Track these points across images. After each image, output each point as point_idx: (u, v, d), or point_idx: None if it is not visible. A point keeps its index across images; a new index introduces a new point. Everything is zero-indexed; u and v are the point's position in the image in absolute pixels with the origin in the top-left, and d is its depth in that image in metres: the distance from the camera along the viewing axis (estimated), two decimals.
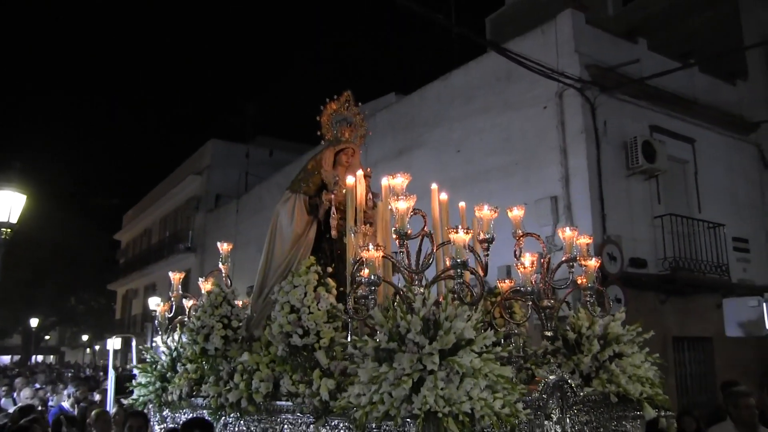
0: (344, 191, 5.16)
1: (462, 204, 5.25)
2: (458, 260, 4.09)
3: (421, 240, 4.47)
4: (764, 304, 9.14)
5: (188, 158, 30.14)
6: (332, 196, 5.38)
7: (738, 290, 11.71)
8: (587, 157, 11.05)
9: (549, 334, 4.73)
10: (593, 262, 4.76)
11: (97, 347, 43.85)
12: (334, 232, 5.29)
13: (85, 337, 46.04)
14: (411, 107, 15.11)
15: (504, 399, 3.49)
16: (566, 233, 4.85)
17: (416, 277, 4.15)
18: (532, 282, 4.46)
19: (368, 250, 3.92)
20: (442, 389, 3.36)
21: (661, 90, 12.18)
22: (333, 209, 5.33)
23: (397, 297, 4.03)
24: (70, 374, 25.43)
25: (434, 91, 14.52)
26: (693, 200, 12.76)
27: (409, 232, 4.11)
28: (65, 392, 11.40)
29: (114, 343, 34.54)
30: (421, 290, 3.89)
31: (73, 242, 38.11)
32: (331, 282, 4.51)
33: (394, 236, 4.12)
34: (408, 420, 3.42)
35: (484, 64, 13.40)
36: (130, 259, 36.22)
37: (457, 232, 4.10)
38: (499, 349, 3.82)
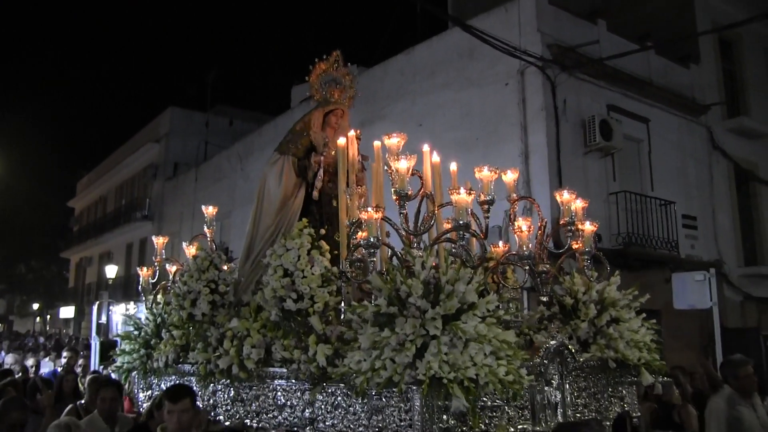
0: (333, 153, 5.10)
1: (453, 167, 5.17)
2: (461, 221, 3.94)
3: (420, 202, 4.31)
4: (709, 279, 9.58)
5: (146, 125, 29.63)
6: (321, 158, 5.26)
7: (686, 265, 12.16)
8: (546, 135, 11.33)
9: (545, 299, 4.61)
10: (590, 226, 4.63)
11: (48, 316, 43.13)
12: (315, 193, 5.20)
13: (35, 306, 45.21)
14: (374, 80, 15.16)
15: (507, 365, 3.42)
16: (564, 196, 4.68)
17: (414, 240, 4.04)
18: (529, 246, 4.33)
19: (367, 211, 3.82)
20: (446, 354, 3.28)
21: (618, 70, 12.52)
22: (321, 171, 5.22)
23: (394, 260, 3.97)
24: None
25: (397, 65, 14.59)
26: (646, 178, 13.17)
27: (409, 192, 4.00)
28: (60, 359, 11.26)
29: (66, 312, 33.84)
30: (420, 253, 3.77)
31: (23, 209, 37.26)
32: (324, 245, 4.36)
33: (394, 197, 4.00)
34: (412, 386, 3.35)
35: (447, 39, 13.51)
36: (84, 227, 35.59)
37: (459, 193, 3.94)
38: (502, 313, 3.71)
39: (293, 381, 4.10)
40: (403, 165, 3.96)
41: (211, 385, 4.63)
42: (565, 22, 12.43)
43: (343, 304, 4.15)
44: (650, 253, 12.14)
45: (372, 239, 3.79)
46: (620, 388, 4.62)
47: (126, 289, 27.31)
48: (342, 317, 4.04)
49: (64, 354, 9.65)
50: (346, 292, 4.23)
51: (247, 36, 68.71)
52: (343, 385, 3.73)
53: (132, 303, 26.68)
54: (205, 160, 23.82)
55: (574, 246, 4.64)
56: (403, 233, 4.12)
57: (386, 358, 3.35)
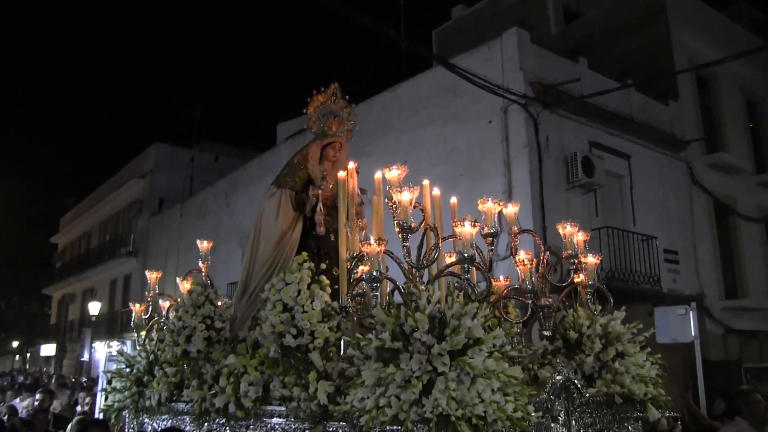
0: (331, 186, 5.10)
1: (453, 200, 5.13)
2: (465, 254, 3.85)
3: (423, 235, 4.25)
4: (691, 313, 9.67)
5: (131, 161, 29.63)
6: (320, 191, 5.17)
7: (668, 299, 12.26)
8: (530, 171, 11.48)
9: (547, 333, 4.51)
10: (593, 259, 4.57)
11: (28, 354, 42.38)
12: (320, 229, 5.07)
13: (15, 343, 44.42)
14: (359, 117, 15.16)
15: (515, 401, 3.33)
16: (566, 229, 4.60)
17: (417, 273, 3.96)
18: (532, 280, 4.26)
19: (369, 244, 3.74)
20: (453, 391, 3.19)
21: (600, 107, 12.75)
22: (320, 205, 5.12)
23: (395, 294, 3.90)
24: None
25: (382, 102, 14.77)
26: (628, 213, 13.33)
27: (412, 225, 3.93)
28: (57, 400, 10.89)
29: (48, 349, 33.26)
30: (424, 287, 3.71)
31: (5, 244, 36.91)
32: (324, 279, 4.24)
33: (397, 230, 3.94)
34: (419, 424, 3.23)
35: (432, 77, 13.73)
36: (67, 263, 35.27)
37: (463, 225, 3.87)
38: (508, 348, 3.62)
39: (292, 420, 3.99)
40: (406, 197, 3.92)
41: (206, 424, 4.49)
42: (547, 60, 12.68)
43: (343, 340, 4.06)
44: (633, 287, 12.24)
45: (375, 273, 3.72)
46: (626, 424, 4.52)
47: (110, 326, 27.01)
48: (342, 353, 3.95)
49: (37, 396, 9.40)
50: (345, 327, 4.15)
51: (233, 73, 69.24)
52: (345, 423, 3.60)
53: (115, 341, 26.49)
54: (191, 195, 23.82)
55: (577, 279, 4.58)
56: (406, 266, 4.01)
57: (391, 395, 3.25)
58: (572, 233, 4.58)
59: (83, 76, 67.90)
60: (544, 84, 11.97)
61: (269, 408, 4.14)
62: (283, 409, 4.01)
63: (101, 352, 27.40)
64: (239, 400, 4.16)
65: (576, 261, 4.57)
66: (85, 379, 21.22)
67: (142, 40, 70.48)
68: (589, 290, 4.60)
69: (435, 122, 13.22)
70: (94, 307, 23.57)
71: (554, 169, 11.86)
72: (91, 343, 25.06)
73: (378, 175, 4.60)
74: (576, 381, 4.11)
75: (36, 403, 8.92)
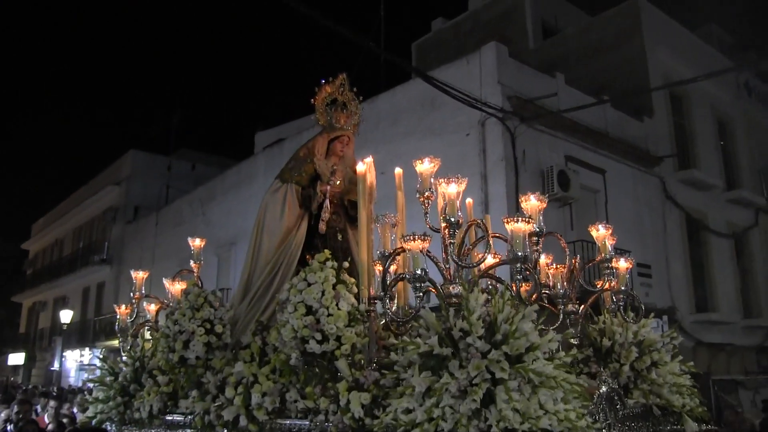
0: (339, 182, 4.86)
1: (469, 200, 4.82)
2: (518, 253, 3.50)
3: (465, 231, 3.87)
4: (663, 326, 9.81)
5: (107, 168, 29.33)
6: (328, 187, 4.81)
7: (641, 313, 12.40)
8: (506, 184, 11.60)
9: (575, 341, 4.19)
10: (625, 263, 4.33)
11: None
12: (322, 226, 4.76)
13: None
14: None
15: (576, 411, 3.01)
16: (600, 231, 4.34)
17: (456, 274, 3.59)
18: (564, 284, 3.98)
19: (412, 240, 3.44)
20: (516, 402, 2.88)
21: (576, 122, 12.96)
22: (327, 202, 4.77)
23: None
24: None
25: (360, 113, 14.80)
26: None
27: (460, 220, 3.58)
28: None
29: (16, 359, 32.65)
30: (475, 289, 3.37)
31: None
32: (350, 278, 3.81)
33: (442, 224, 3.59)
34: None
35: (410, 89, 13.83)
36: (38, 270, 34.70)
37: (515, 221, 3.52)
38: (562, 354, 3.27)
39: None
40: (453, 189, 3.59)
41: None
42: (525, 75, 12.87)
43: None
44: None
45: (419, 272, 3.42)
46: None
47: (81, 335, 26.62)
48: (370, 360, 3.65)
49: (15, 408, 9.07)
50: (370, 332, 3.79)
51: (211, 81, 68.97)
52: None
53: (87, 349, 26.11)
54: (167, 204, 23.64)
55: (608, 285, 4.32)
56: (444, 267, 3.63)
57: (445, 406, 2.93)
58: (605, 236, 4.32)
59: (59, 81, 67.24)
60: (522, 98, 12.13)
61: (287, 422, 3.72)
62: (305, 423, 3.61)
63: (72, 361, 27.09)
64: (251, 413, 3.77)
65: (609, 266, 4.29)
66: (55, 389, 20.85)
67: (119, 46, 70.04)
68: (621, 296, 4.34)
69: (413, 134, 13.31)
70: (66, 316, 23.24)
71: (530, 182, 11.98)
72: (62, 352, 24.68)
73: (398, 170, 4.37)
74: (619, 392, 3.86)
75: (18, 415, 8.68)
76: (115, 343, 5.28)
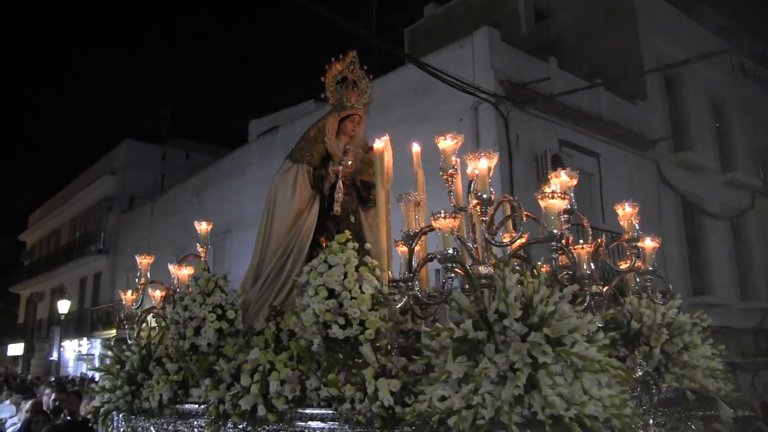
0: (351, 163, 4.76)
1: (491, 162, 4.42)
2: (554, 231, 3.33)
3: (494, 210, 3.67)
4: None
5: (102, 158, 29.28)
6: (340, 168, 4.69)
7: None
8: (500, 169, 11.55)
9: (600, 324, 3.92)
10: (651, 243, 4.18)
11: None
12: (337, 207, 4.60)
13: None
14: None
15: (620, 397, 2.88)
16: (626, 209, 4.22)
17: (486, 254, 3.44)
18: (590, 265, 3.83)
19: (442, 217, 3.29)
20: (560, 387, 2.74)
21: (569, 106, 12.91)
22: (340, 183, 4.63)
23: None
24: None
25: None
26: (597, 211, 13.50)
27: (492, 196, 3.45)
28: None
29: (15, 349, 32.69)
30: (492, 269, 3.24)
31: None
32: (371, 261, 3.62)
33: (474, 201, 3.48)
34: (524, 428, 2.74)
35: (403, 75, 13.77)
36: (35, 261, 34.74)
37: (551, 198, 3.33)
38: (601, 336, 3.08)
39: (340, 424, 3.40)
40: (484, 164, 3.46)
41: (221, 429, 3.89)
42: (517, 59, 12.80)
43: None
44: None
45: (450, 251, 3.26)
46: (689, 423, 4.04)
47: (79, 324, 26.68)
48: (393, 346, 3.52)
49: (48, 393, 8.58)
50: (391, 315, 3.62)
51: (205, 69, 68.69)
52: (413, 428, 3.05)
53: (85, 339, 26.17)
54: (162, 193, 23.63)
55: (624, 266, 4.21)
56: (472, 246, 3.51)
57: (484, 392, 2.78)
58: (631, 214, 4.18)
59: (54, 70, 66.89)
60: (515, 83, 12.08)
61: (309, 411, 3.56)
62: (329, 411, 3.45)
63: (70, 351, 27.16)
64: (270, 402, 3.60)
65: (636, 246, 4.15)
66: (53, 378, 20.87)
67: (113, 35, 69.64)
68: (648, 277, 4.18)
69: (405, 120, 13.26)
70: (64, 306, 23.28)
71: (524, 167, 11.97)
72: (60, 342, 24.74)
73: (416, 147, 4.24)
74: (654, 376, 3.78)
75: (56, 402, 8.51)
76: (113, 332, 5.19)
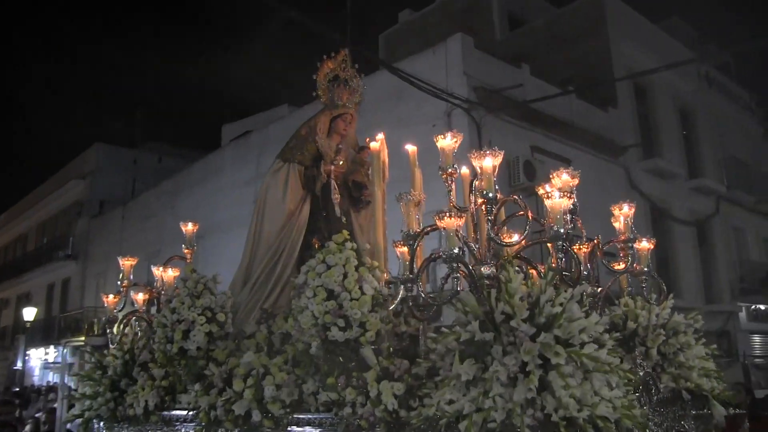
0: (342, 162, 4.71)
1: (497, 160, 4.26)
2: (559, 230, 3.29)
3: (497, 209, 3.64)
4: None
5: (71, 161, 28.82)
6: (332, 167, 4.62)
7: (608, 300, 12.62)
8: (472, 175, 11.63)
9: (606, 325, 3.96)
10: (647, 244, 4.17)
11: None
12: (338, 210, 4.56)
13: None
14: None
15: (627, 398, 2.86)
16: (623, 209, 4.23)
17: (488, 254, 3.41)
18: (588, 266, 3.83)
19: (446, 217, 3.23)
20: (572, 388, 2.70)
21: (541, 113, 13.05)
22: (334, 183, 4.59)
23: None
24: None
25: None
26: (569, 217, 13.64)
27: (499, 195, 3.43)
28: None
29: None
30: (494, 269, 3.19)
31: None
32: (372, 261, 3.56)
33: (480, 200, 3.47)
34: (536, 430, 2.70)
35: (377, 80, 13.76)
36: (1, 267, 34.03)
37: (553, 197, 3.34)
38: (607, 337, 3.02)
39: (338, 429, 3.31)
40: (488, 163, 3.44)
41: None
42: (491, 65, 12.94)
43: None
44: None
45: (455, 251, 3.19)
46: (682, 422, 4.07)
47: (46, 332, 26.16)
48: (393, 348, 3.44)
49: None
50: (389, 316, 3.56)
51: (177, 73, 68.13)
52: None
53: (52, 347, 25.66)
54: (133, 197, 23.34)
55: (618, 267, 4.23)
56: (475, 247, 3.47)
57: (495, 395, 2.73)
58: (627, 214, 4.20)
59: (23, 72, 65.78)
60: (488, 89, 12.20)
61: (307, 416, 3.46)
62: (328, 416, 3.36)
63: (36, 359, 26.60)
64: (265, 406, 3.50)
65: (631, 247, 4.19)
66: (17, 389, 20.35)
67: (83, 38, 68.71)
68: (644, 277, 4.17)
69: (380, 126, 13.12)
70: (29, 313, 22.81)
71: (497, 172, 12.05)
72: (26, 350, 24.23)
73: (411, 147, 4.19)
74: (654, 376, 3.80)
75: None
76: (82, 339, 5.05)
